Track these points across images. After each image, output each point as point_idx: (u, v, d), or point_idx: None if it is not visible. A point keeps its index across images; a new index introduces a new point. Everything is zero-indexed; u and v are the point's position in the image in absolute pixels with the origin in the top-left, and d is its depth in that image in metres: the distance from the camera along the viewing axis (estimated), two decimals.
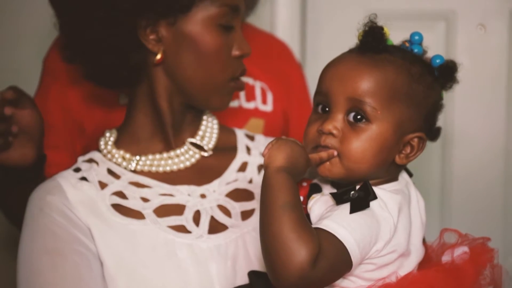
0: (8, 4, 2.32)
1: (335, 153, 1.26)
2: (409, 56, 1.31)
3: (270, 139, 1.59)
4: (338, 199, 1.24)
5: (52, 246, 1.38)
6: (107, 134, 1.53)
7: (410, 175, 1.38)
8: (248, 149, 1.59)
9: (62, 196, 1.42)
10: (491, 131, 2.36)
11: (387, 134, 1.26)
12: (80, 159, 1.51)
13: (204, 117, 1.56)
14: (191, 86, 1.46)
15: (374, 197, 1.23)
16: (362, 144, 1.25)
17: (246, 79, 1.92)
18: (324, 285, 1.21)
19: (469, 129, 2.36)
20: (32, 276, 1.37)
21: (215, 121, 1.57)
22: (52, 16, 1.51)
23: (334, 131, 1.26)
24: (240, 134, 1.62)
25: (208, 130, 1.55)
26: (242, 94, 1.93)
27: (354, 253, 1.19)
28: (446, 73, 1.32)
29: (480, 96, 2.36)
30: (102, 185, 1.45)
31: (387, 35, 1.31)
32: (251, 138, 1.62)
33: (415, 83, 1.28)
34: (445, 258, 1.30)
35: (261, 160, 1.56)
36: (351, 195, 1.22)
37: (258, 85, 1.95)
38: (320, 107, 1.31)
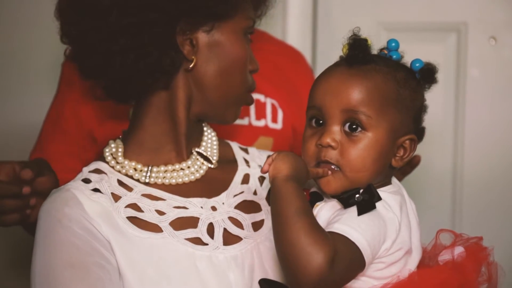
0: (25, 7, 2.35)
1: (329, 172, 1.31)
2: (392, 64, 1.36)
3: (263, 152, 1.62)
4: (345, 203, 1.29)
5: (75, 259, 1.34)
6: (113, 145, 1.50)
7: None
8: (246, 161, 1.59)
9: (80, 208, 1.38)
10: (503, 143, 2.36)
11: (382, 140, 1.31)
12: (86, 169, 1.48)
13: (205, 129, 1.56)
14: (215, 94, 1.47)
15: (379, 198, 1.28)
16: (361, 153, 1.30)
17: (257, 96, 1.93)
18: (341, 285, 1.26)
19: (480, 141, 2.37)
20: None
21: (213, 133, 1.58)
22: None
23: (333, 144, 1.31)
24: (235, 146, 1.62)
25: (209, 142, 1.55)
26: (252, 111, 1.94)
27: (366, 253, 1.23)
28: (427, 75, 1.37)
29: (491, 108, 2.36)
30: (116, 197, 1.43)
31: (371, 46, 1.36)
32: (245, 150, 1.63)
33: (402, 88, 1.33)
34: (443, 258, 1.35)
35: (260, 173, 1.57)
36: (356, 199, 1.27)
37: (269, 102, 1.96)
38: (314, 120, 1.35)
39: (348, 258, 1.21)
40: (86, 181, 1.45)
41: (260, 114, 1.94)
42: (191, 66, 1.44)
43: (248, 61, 1.49)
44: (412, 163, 1.91)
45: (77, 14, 1.44)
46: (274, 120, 1.95)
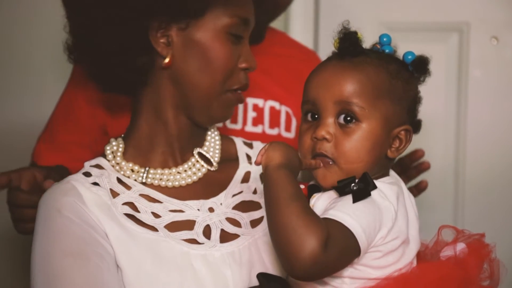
0: (25, 6, 2.35)
1: (321, 164, 1.32)
2: (384, 56, 1.37)
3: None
4: (341, 191, 1.29)
5: (74, 247, 1.35)
6: (114, 143, 1.51)
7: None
8: (249, 158, 1.59)
9: (79, 198, 1.40)
10: (504, 142, 2.36)
11: (377, 130, 1.32)
12: (87, 164, 1.50)
13: (208, 132, 1.57)
14: (195, 93, 1.46)
15: (374, 186, 1.29)
16: (356, 144, 1.31)
17: (272, 103, 1.93)
18: (335, 270, 1.26)
19: (482, 140, 2.37)
20: (54, 278, 1.33)
21: (216, 132, 1.57)
22: (63, 17, 1.51)
23: (327, 136, 1.32)
24: (239, 142, 1.62)
25: (212, 141, 1.55)
26: (266, 119, 1.94)
27: (361, 239, 1.24)
28: (420, 66, 1.37)
29: (493, 107, 2.37)
30: (114, 194, 1.44)
31: (361, 39, 1.37)
32: (250, 145, 1.63)
33: (394, 79, 1.34)
34: (445, 254, 1.35)
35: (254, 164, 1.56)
36: (352, 187, 1.28)
37: (283, 110, 1.95)
38: (309, 115, 1.36)
39: (342, 243, 1.22)
40: (87, 174, 1.47)
41: (274, 123, 1.94)
42: (165, 63, 1.44)
43: (232, 59, 1.47)
44: (420, 168, 1.91)
45: (69, 9, 1.48)
46: (288, 129, 1.95)
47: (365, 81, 1.32)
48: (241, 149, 1.60)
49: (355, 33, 1.36)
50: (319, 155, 1.33)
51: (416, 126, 1.41)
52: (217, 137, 1.57)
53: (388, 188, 1.31)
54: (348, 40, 1.35)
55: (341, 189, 1.29)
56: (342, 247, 1.22)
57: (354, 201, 1.26)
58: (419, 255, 1.38)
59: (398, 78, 1.34)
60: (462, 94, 2.38)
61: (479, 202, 2.38)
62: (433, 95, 2.38)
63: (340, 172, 1.32)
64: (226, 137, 1.61)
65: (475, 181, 2.38)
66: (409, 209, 1.35)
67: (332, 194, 1.33)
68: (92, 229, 1.38)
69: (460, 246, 1.34)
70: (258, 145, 1.63)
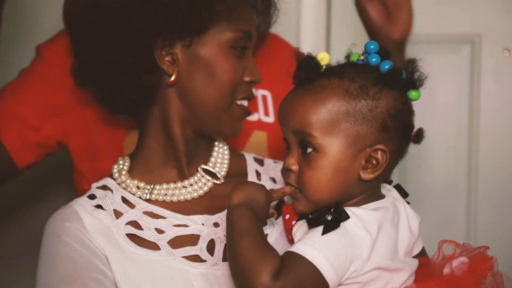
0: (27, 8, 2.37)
1: (288, 189, 1.32)
2: (350, 73, 1.29)
3: (279, 163, 1.61)
4: (313, 223, 1.27)
5: (72, 274, 1.37)
6: (120, 162, 1.53)
7: (390, 183, 1.39)
8: (258, 174, 1.59)
9: (79, 223, 1.42)
10: None
11: (337, 157, 1.28)
12: (94, 185, 1.52)
13: (216, 143, 1.57)
14: (204, 109, 1.46)
15: (346, 217, 1.25)
16: (314, 173, 1.28)
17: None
18: None
19: (495, 152, 2.36)
20: None
21: (226, 147, 1.57)
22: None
23: (292, 167, 1.31)
24: (249, 158, 1.62)
25: (220, 157, 1.55)
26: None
27: (328, 273, 1.21)
28: (390, 78, 1.28)
29: (505, 119, 2.36)
30: (117, 214, 1.46)
31: (322, 60, 1.31)
32: (260, 162, 1.62)
33: (355, 99, 1.27)
34: (446, 270, 1.32)
35: (271, 185, 1.56)
36: (325, 218, 1.25)
37: (259, 94, 1.93)
38: (286, 144, 1.35)
39: (297, 275, 1.20)
40: (92, 197, 1.49)
41: (253, 108, 1.93)
42: (171, 81, 1.45)
43: (237, 72, 1.47)
44: None
45: (70, 30, 1.50)
46: (266, 113, 1.92)
47: (318, 108, 1.27)
48: (251, 166, 1.60)
49: (309, 57, 1.31)
50: (289, 184, 1.33)
51: (416, 137, 1.33)
52: (226, 152, 1.57)
53: (369, 215, 1.27)
54: (301, 66, 1.31)
55: (313, 220, 1.27)
56: (297, 280, 1.20)
57: (323, 233, 1.23)
58: (425, 271, 1.34)
59: (360, 97, 1.27)
60: (474, 106, 2.38)
61: (493, 216, 2.37)
62: (445, 107, 2.38)
63: (307, 201, 1.30)
64: (237, 152, 1.62)
65: (487, 193, 2.37)
66: (402, 234, 1.32)
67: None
68: (92, 254, 1.40)
69: (457, 262, 1.31)
70: (268, 163, 1.63)
